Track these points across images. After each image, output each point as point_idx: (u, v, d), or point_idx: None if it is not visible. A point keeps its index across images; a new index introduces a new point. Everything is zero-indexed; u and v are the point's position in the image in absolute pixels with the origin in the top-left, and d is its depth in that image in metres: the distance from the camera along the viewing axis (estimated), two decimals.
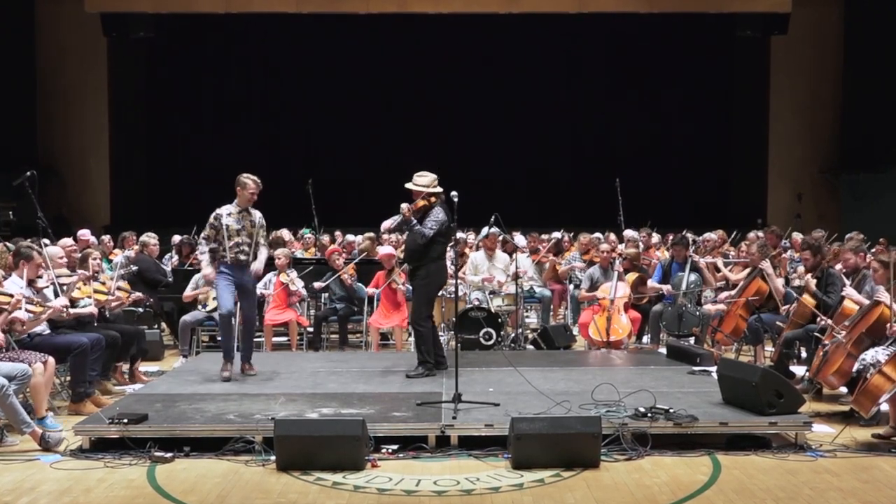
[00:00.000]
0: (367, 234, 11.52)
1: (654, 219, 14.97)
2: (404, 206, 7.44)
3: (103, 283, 8.01)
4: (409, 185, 7.52)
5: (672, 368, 7.93)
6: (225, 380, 7.18)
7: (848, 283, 7.35)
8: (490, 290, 9.91)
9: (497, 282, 9.94)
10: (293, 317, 9.60)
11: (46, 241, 7.37)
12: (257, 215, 7.44)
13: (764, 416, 5.87)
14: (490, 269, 10.13)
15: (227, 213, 7.31)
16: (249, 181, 7.33)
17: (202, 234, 7.37)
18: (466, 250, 11.45)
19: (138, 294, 8.73)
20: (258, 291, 9.13)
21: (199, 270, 8.39)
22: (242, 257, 7.31)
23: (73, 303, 7.29)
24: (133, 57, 20.29)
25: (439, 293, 8.26)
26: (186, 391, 6.83)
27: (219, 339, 8.55)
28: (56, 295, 7.04)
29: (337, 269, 9.93)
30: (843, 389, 6.97)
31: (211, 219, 7.33)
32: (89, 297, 7.51)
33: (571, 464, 5.42)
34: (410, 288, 8.26)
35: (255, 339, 9.81)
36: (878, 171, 18.22)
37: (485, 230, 10.17)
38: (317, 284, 9.94)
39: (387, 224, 7.74)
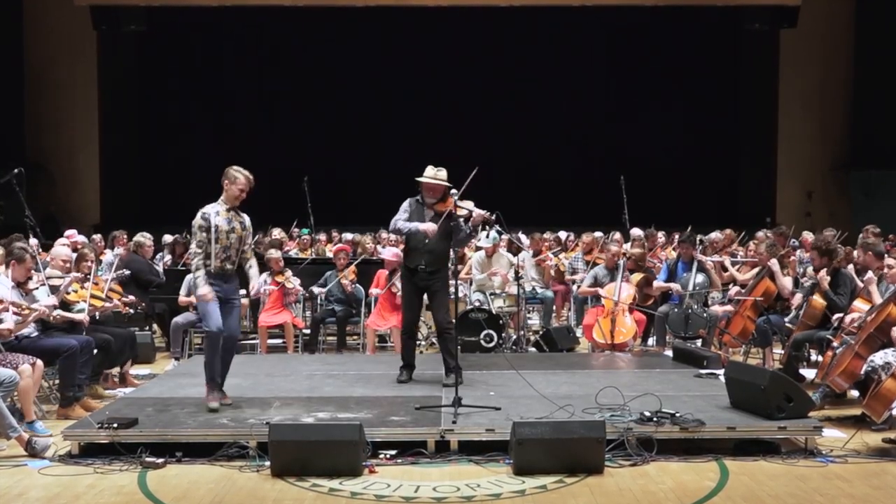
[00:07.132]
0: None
1: (660, 217, 14.82)
2: (479, 211, 6.87)
3: (98, 286, 7.89)
4: (437, 181, 7.02)
5: (678, 371, 7.82)
6: (213, 410, 6.14)
7: (860, 283, 7.23)
8: (497, 284, 9.76)
9: (502, 275, 9.79)
10: (289, 318, 9.47)
11: (35, 240, 7.25)
12: (246, 218, 6.45)
13: (773, 420, 5.78)
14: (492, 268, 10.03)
15: (215, 213, 6.25)
16: (240, 175, 6.29)
17: (196, 243, 6.21)
18: (467, 251, 11.30)
19: (131, 298, 8.61)
20: (261, 288, 8.96)
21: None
22: (229, 266, 6.28)
23: (68, 306, 7.18)
24: (124, 51, 20.03)
25: None
26: (178, 395, 6.72)
27: None
28: (49, 296, 6.93)
29: (339, 267, 9.79)
30: (855, 393, 6.84)
31: (199, 220, 6.21)
32: (84, 301, 7.38)
33: (575, 469, 5.34)
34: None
35: (251, 342, 9.75)
36: (890, 168, 18.10)
37: (492, 235, 9.97)
38: (317, 290, 9.78)
39: (432, 228, 6.91)
